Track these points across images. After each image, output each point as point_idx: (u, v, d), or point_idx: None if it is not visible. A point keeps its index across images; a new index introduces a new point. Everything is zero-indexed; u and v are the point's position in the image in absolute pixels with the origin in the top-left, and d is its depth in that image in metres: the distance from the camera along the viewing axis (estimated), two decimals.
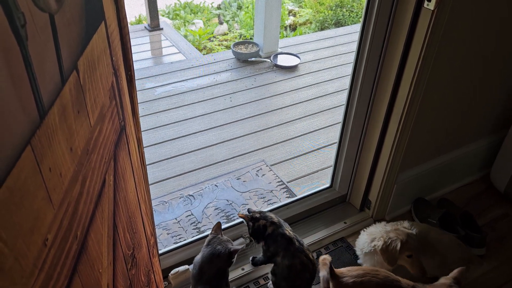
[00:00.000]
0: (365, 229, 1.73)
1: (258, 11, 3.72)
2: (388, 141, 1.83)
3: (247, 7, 5.25)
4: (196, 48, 4.25)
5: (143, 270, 1.21)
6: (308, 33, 4.82)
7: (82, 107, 0.71)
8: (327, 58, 3.89)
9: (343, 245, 1.93)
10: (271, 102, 3.23)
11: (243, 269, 1.78)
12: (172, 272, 1.68)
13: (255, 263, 1.72)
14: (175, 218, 2.16)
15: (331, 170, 2.12)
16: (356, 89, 1.79)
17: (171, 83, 3.43)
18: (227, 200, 2.28)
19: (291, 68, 3.68)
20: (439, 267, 1.71)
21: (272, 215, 1.62)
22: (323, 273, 1.36)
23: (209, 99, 3.24)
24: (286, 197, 2.30)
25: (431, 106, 1.78)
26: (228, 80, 3.50)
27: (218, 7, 5.45)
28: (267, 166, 2.54)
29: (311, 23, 5.12)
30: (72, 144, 0.67)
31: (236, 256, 1.53)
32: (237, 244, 1.63)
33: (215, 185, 2.39)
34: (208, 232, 1.75)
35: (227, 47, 4.48)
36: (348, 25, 4.98)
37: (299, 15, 5.26)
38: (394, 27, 1.61)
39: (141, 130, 1.14)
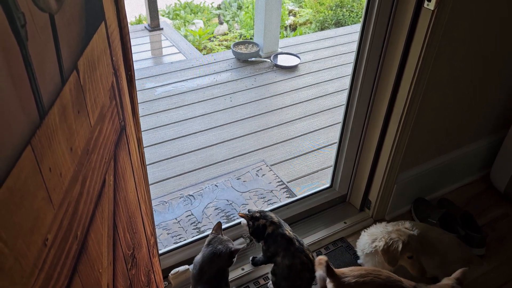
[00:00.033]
0: (365, 230, 1.73)
1: (258, 11, 3.72)
2: (388, 141, 1.83)
3: (247, 7, 5.25)
4: (196, 48, 4.25)
5: (143, 270, 1.21)
6: (308, 33, 4.82)
7: (82, 107, 0.71)
8: (327, 58, 3.89)
9: (343, 245, 1.93)
10: (271, 102, 3.23)
11: (243, 269, 1.78)
12: (172, 272, 1.68)
13: (255, 263, 1.72)
14: (175, 218, 2.16)
15: (331, 170, 2.12)
16: (356, 89, 1.79)
17: (171, 83, 3.43)
18: (227, 200, 2.28)
19: (291, 68, 3.68)
20: (439, 267, 1.71)
21: (272, 214, 1.62)
22: (319, 272, 1.36)
23: (209, 99, 3.24)
24: (286, 197, 2.30)
25: (431, 106, 1.78)
26: (228, 80, 3.50)
27: (218, 7, 5.45)
28: (267, 166, 2.54)
29: (311, 23, 5.12)
30: (72, 144, 0.67)
31: (236, 255, 1.53)
32: (237, 244, 1.63)
33: (215, 185, 2.39)
34: (208, 232, 1.76)
35: (227, 47, 4.48)
36: (348, 25, 4.99)
37: (299, 15, 5.26)
38: (394, 27, 1.61)
39: (141, 130, 1.14)
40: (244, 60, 3.76)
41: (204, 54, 4.16)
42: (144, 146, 1.20)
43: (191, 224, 2.13)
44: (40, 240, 0.57)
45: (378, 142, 1.86)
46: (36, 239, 0.56)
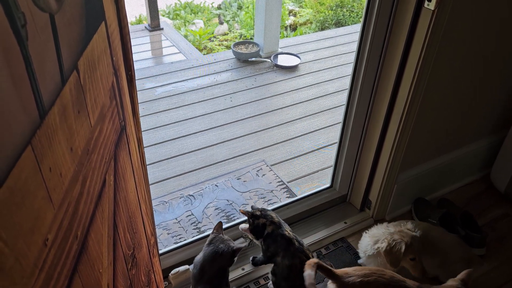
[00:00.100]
0: (366, 231, 1.73)
1: (259, 11, 3.72)
2: (389, 141, 1.83)
3: (248, 7, 5.25)
4: (197, 48, 4.25)
5: (143, 270, 1.21)
6: (309, 33, 4.82)
7: (82, 107, 0.71)
8: (328, 58, 3.89)
9: (343, 245, 1.93)
10: (272, 102, 3.23)
11: (243, 269, 1.78)
12: (173, 272, 1.68)
13: (255, 263, 1.72)
14: (175, 218, 2.16)
15: (331, 170, 2.12)
16: (357, 89, 1.79)
17: (171, 83, 3.43)
18: (227, 200, 2.28)
19: (292, 68, 3.68)
20: (439, 267, 1.71)
21: (273, 214, 1.62)
22: (307, 271, 1.35)
23: (210, 99, 3.24)
24: (287, 197, 2.30)
25: (431, 106, 1.78)
26: (229, 80, 3.50)
27: (219, 7, 5.45)
28: (267, 166, 2.54)
29: (311, 23, 5.12)
30: (73, 144, 0.67)
31: (238, 254, 1.53)
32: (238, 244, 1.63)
33: (215, 185, 2.39)
34: (208, 232, 1.76)
35: (228, 47, 4.48)
36: (348, 25, 4.98)
37: (300, 15, 5.26)
38: (395, 27, 1.61)
39: (141, 130, 1.14)
40: (244, 60, 3.76)
41: (204, 54, 4.15)
42: (144, 146, 1.20)
43: (191, 224, 2.13)
44: (41, 240, 0.57)
45: (379, 142, 1.86)
46: (36, 239, 0.56)
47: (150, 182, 1.31)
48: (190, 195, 2.31)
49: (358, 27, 1.93)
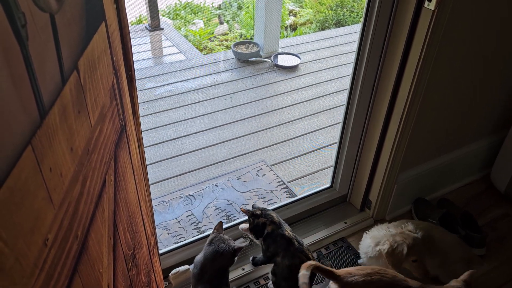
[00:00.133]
0: (367, 232, 1.73)
1: (259, 11, 3.72)
2: (389, 141, 1.83)
3: (248, 7, 5.25)
4: (197, 48, 4.25)
5: (144, 270, 1.21)
6: (309, 33, 4.82)
7: (82, 107, 0.71)
8: (328, 58, 3.89)
9: (344, 245, 1.93)
10: (272, 102, 3.23)
11: (243, 269, 1.78)
12: (173, 272, 1.68)
13: (255, 263, 1.72)
14: (176, 218, 2.17)
15: (331, 170, 2.12)
16: (357, 89, 1.79)
17: (171, 83, 3.43)
18: (227, 200, 2.28)
19: (292, 68, 3.68)
20: (439, 267, 1.71)
21: (273, 214, 1.62)
22: (302, 272, 1.35)
23: (210, 99, 3.24)
24: (287, 197, 2.30)
25: (431, 106, 1.78)
26: (229, 80, 3.50)
27: (219, 7, 5.45)
28: (267, 166, 2.54)
29: (311, 23, 5.12)
30: (73, 144, 0.67)
31: (238, 254, 1.54)
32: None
33: (216, 185, 2.39)
34: (209, 232, 1.76)
35: (228, 47, 4.48)
36: (348, 25, 4.98)
37: (300, 15, 5.26)
38: (395, 27, 1.61)
39: (142, 130, 1.14)
40: (244, 60, 3.76)
41: (204, 54, 4.16)
42: (144, 146, 1.20)
43: (191, 224, 2.13)
44: (41, 240, 0.57)
45: (379, 142, 1.86)
46: (36, 239, 0.56)
47: (150, 182, 1.31)
48: (190, 195, 2.31)
49: (358, 27, 1.93)
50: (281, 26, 4.29)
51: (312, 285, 1.59)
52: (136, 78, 1.07)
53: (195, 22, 4.94)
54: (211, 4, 5.51)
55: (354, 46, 1.83)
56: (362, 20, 1.66)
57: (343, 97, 2.99)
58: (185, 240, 1.88)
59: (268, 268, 1.69)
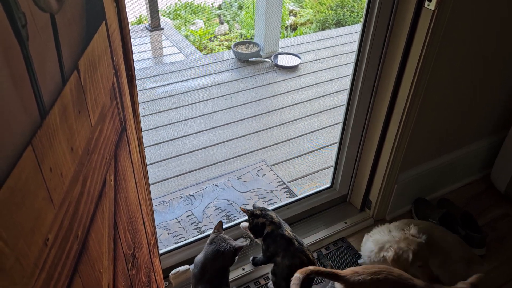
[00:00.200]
0: (369, 234, 1.72)
1: (259, 11, 3.72)
2: (389, 141, 1.83)
3: (248, 7, 5.25)
4: (197, 48, 4.25)
5: (144, 270, 1.21)
6: (309, 33, 4.82)
7: (83, 107, 0.71)
8: (328, 58, 3.89)
9: (344, 245, 1.93)
10: (272, 102, 3.23)
11: (243, 269, 1.78)
12: (173, 272, 1.68)
13: (256, 263, 1.72)
14: (176, 218, 2.17)
15: (331, 170, 2.12)
16: (357, 89, 1.79)
17: (171, 83, 3.43)
18: (227, 200, 2.28)
19: (292, 68, 3.68)
20: (440, 267, 1.71)
21: (273, 214, 1.62)
22: (297, 275, 1.35)
23: (210, 99, 3.24)
24: (287, 197, 2.30)
25: (431, 106, 1.78)
26: (229, 80, 3.50)
27: (219, 7, 5.45)
28: (267, 166, 2.54)
29: (311, 23, 5.12)
30: (73, 144, 0.67)
31: (239, 253, 1.54)
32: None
33: (216, 185, 2.39)
34: (209, 232, 1.76)
35: (228, 47, 4.48)
36: (348, 25, 4.98)
37: (300, 15, 5.26)
38: (395, 27, 1.61)
39: (142, 130, 1.14)
40: (244, 60, 3.76)
41: (204, 54, 4.16)
42: (144, 146, 1.20)
43: (191, 224, 2.13)
44: (41, 240, 0.57)
45: (379, 142, 1.86)
46: (37, 239, 0.56)
47: (150, 182, 1.31)
48: (191, 195, 2.31)
49: (358, 27, 1.93)
50: (281, 26, 4.29)
51: (312, 285, 1.59)
52: (137, 78, 1.07)
53: (196, 22, 4.94)
54: (212, 4, 5.51)
55: (354, 46, 1.83)
56: (362, 20, 1.66)
57: (343, 97, 2.99)
58: (185, 240, 1.88)
59: (268, 268, 1.69)
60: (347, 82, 3.37)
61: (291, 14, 5.34)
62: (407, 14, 1.54)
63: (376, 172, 1.96)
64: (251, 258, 1.76)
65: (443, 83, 1.75)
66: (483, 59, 1.81)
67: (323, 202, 2.09)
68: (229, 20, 5.12)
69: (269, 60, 3.76)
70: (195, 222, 2.14)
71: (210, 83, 3.44)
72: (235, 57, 3.80)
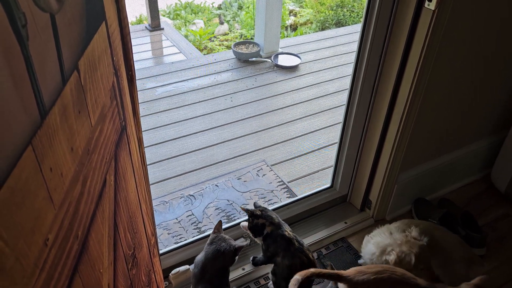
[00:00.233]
0: (369, 235, 1.72)
1: (259, 11, 3.72)
2: (389, 141, 1.83)
3: (248, 7, 5.25)
4: (197, 48, 4.25)
5: (144, 270, 1.21)
6: (309, 33, 4.82)
7: (83, 107, 0.71)
8: (328, 58, 3.89)
9: (344, 245, 1.93)
10: (272, 102, 3.23)
11: (243, 269, 1.78)
12: (173, 272, 1.68)
13: (256, 263, 1.72)
14: (176, 218, 2.17)
15: (331, 170, 2.12)
16: (357, 89, 1.79)
17: (171, 83, 3.43)
18: (227, 200, 2.28)
19: (292, 68, 3.68)
20: (440, 267, 1.71)
21: (273, 215, 1.62)
22: (296, 277, 1.35)
23: (210, 99, 3.24)
24: (287, 197, 2.30)
25: (431, 106, 1.78)
26: (229, 80, 3.50)
27: (219, 7, 5.45)
28: (267, 166, 2.54)
29: (311, 23, 5.12)
30: (73, 144, 0.67)
31: (239, 253, 1.54)
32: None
33: (216, 185, 2.39)
34: (209, 232, 1.76)
35: (228, 47, 4.48)
36: (348, 25, 4.98)
37: (300, 15, 5.26)
38: (395, 27, 1.61)
39: (142, 130, 1.14)
40: (244, 60, 3.76)
41: (204, 54, 4.16)
42: (144, 146, 1.20)
43: (191, 224, 2.13)
44: (41, 240, 0.57)
45: (379, 142, 1.86)
46: (37, 239, 0.56)
47: (150, 182, 1.31)
48: (191, 195, 2.31)
49: (358, 27, 1.93)
50: (281, 26, 4.29)
51: (312, 285, 1.59)
52: (137, 78, 1.07)
53: (196, 22, 4.94)
54: (212, 4, 5.51)
55: (355, 46, 1.83)
56: (362, 20, 1.66)
57: (344, 97, 2.99)
58: (185, 240, 1.88)
59: (268, 268, 1.69)
60: (347, 82, 3.36)
61: (291, 14, 5.34)
62: (407, 14, 1.54)
63: (376, 172, 1.96)
64: (251, 258, 1.76)
65: (443, 83, 1.75)
66: (483, 59, 1.81)
67: (323, 202, 2.09)
68: (229, 20, 5.12)
69: (269, 60, 3.76)
70: (195, 222, 2.14)
71: (210, 83, 3.44)
72: (235, 57, 3.80)
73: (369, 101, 1.82)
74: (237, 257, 1.55)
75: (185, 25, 4.97)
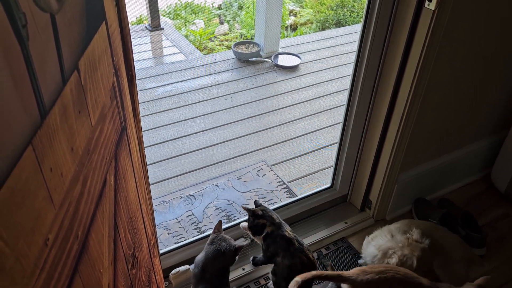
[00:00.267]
0: (369, 237, 1.72)
1: (259, 11, 3.72)
2: (389, 141, 1.83)
3: (248, 7, 5.25)
4: (197, 48, 4.25)
5: (144, 270, 1.21)
6: (309, 33, 4.82)
7: (83, 107, 0.71)
8: (328, 58, 3.89)
9: (344, 245, 1.93)
10: (272, 102, 3.23)
11: (243, 269, 1.78)
12: (173, 272, 1.68)
13: (256, 263, 1.72)
14: (176, 218, 2.17)
15: (331, 170, 2.12)
16: (357, 89, 1.79)
17: (172, 83, 3.43)
18: (227, 200, 2.28)
19: (292, 68, 3.68)
20: (440, 267, 1.71)
21: (274, 215, 1.62)
22: (296, 279, 1.35)
23: (210, 99, 3.24)
24: (287, 197, 2.30)
25: (431, 106, 1.78)
26: (229, 80, 3.50)
27: (219, 7, 5.45)
28: (267, 166, 2.54)
29: (312, 23, 5.12)
30: (73, 144, 0.67)
31: (240, 253, 1.54)
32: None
33: (216, 185, 2.39)
34: (209, 232, 1.76)
35: (228, 47, 4.48)
36: (349, 25, 4.98)
37: (300, 15, 5.26)
38: (395, 27, 1.61)
39: (142, 130, 1.14)
40: (244, 60, 3.76)
41: (204, 54, 4.16)
42: (144, 146, 1.20)
43: (191, 224, 2.13)
44: (41, 240, 0.57)
45: (379, 142, 1.86)
46: (37, 239, 0.56)
47: (150, 182, 1.31)
48: (191, 195, 2.31)
49: (358, 27, 1.93)
50: (281, 26, 4.29)
51: (313, 285, 1.59)
52: (137, 78, 1.07)
53: (196, 22, 4.94)
54: (212, 4, 5.51)
55: (355, 46, 1.83)
56: (362, 20, 1.66)
57: (344, 97, 2.99)
58: (186, 240, 1.88)
59: (268, 268, 1.69)
60: (347, 82, 3.37)
61: (291, 14, 5.34)
62: (407, 14, 1.54)
63: (376, 172, 1.96)
64: (251, 258, 1.76)
65: (443, 83, 1.75)
66: (483, 59, 1.81)
67: (323, 202, 2.09)
68: (229, 20, 5.12)
69: (269, 60, 3.76)
70: (195, 222, 2.14)
71: (210, 83, 3.44)
72: (235, 57, 3.80)
73: (369, 101, 1.82)
74: (237, 257, 1.55)
75: (185, 25, 4.97)
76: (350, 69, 1.87)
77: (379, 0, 1.56)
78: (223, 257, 1.50)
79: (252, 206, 1.67)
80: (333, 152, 2.61)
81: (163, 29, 4.43)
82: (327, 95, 3.33)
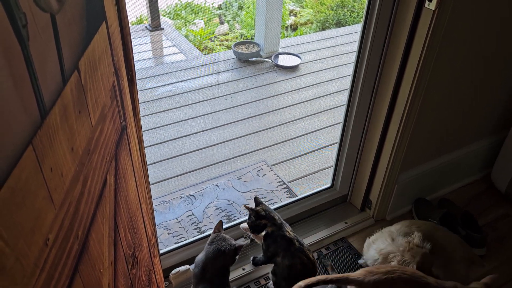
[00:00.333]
0: (370, 239, 1.72)
1: (259, 11, 3.72)
2: (389, 141, 1.83)
3: (248, 7, 5.25)
4: (197, 48, 4.25)
5: (144, 270, 1.21)
6: (309, 33, 4.82)
7: (83, 107, 0.71)
8: (328, 58, 3.89)
9: (344, 245, 1.93)
10: (272, 102, 3.23)
11: (244, 269, 1.78)
12: (173, 272, 1.68)
13: (256, 263, 1.72)
14: (176, 218, 2.17)
15: (332, 170, 2.12)
16: (357, 89, 1.79)
17: (172, 83, 3.43)
18: (228, 200, 2.28)
19: (292, 68, 3.68)
20: (441, 267, 1.71)
21: (276, 216, 1.62)
22: (299, 283, 1.34)
23: (210, 99, 3.24)
24: (287, 197, 2.30)
25: (432, 106, 1.78)
26: (229, 80, 3.50)
27: (219, 7, 5.45)
28: (268, 166, 2.54)
29: (312, 23, 5.12)
30: (73, 144, 0.67)
31: (240, 252, 1.54)
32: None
33: (216, 185, 2.39)
34: (209, 232, 1.76)
35: (228, 47, 4.48)
36: (349, 25, 4.98)
37: (300, 15, 5.26)
38: (395, 27, 1.61)
39: (142, 130, 1.14)
40: (245, 60, 3.76)
41: (205, 54, 4.16)
42: (145, 146, 1.20)
43: (192, 224, 2.13)
44: (41, 240, 0.57)
45: (379, 142, 1.86)
46: (37, 239, 0.56)
47: (150, 182, 1.31)
48: (191, 195, 2.31)
49: (358, 27, 1.93)
50: (281, 26, 4.29)
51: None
52: (137, 78, 1.07)
53: (196, 22, 4.94)
54: (212, 4, 5.51)
55: (355, 46, 1.83)
56: (362, 20, 1.66)
57: (344, 97, 2.99)
58: (186, 240, 1.88)
59: (268, 268, 1.69)
60: (347, 82, 3.37)
61: (292, 14, 5.34)
62: (408, 14, 1.54)
63: (376, 172, 1.96)
64: (251, 258, 1.76)
65: (444, 83, 1.75)
66: (483, 59, 1.81)
67: (323, 202, 2.09)
68: (230, 20, 5.12)
69: (269, 60, 3.76)
70: (195, 222, 2.14)
71: (210, 83, 3.44)
72: (235, 57, 3.80)
73: (369, 101, 1.82)
74: (237, 257, 1.55)
75: (186, 25, 4.97)
76: (350, 69, 1.87)
77: (379, 0, 1.56)
78: (223, 257, 1.50)
79: (252, 206, 1.67)
80: (333, 152, 2.61)
81: (163, 29, 4.43)
82: (327, 95, 3.33)
